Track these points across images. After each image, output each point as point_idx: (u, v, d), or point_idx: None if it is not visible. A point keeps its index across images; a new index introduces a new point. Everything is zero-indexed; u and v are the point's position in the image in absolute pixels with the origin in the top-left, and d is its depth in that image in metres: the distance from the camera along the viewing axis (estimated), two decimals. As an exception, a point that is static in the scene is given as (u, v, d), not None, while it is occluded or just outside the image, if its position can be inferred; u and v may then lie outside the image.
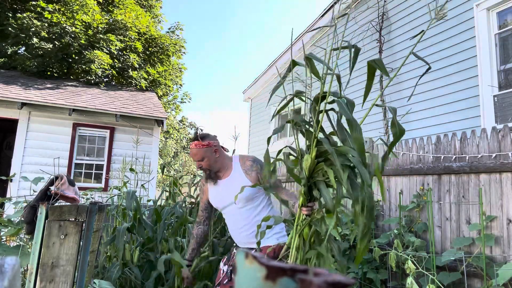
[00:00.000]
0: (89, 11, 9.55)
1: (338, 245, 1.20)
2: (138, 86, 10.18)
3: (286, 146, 1.31)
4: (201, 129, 1.96)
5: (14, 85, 7.15)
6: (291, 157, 1.28)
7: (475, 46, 3.96)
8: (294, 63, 1.21)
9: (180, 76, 12.95)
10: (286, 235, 1.93)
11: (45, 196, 1.62)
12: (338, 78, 1.16)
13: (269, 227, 1.37)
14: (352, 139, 1.05)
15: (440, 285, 2.11)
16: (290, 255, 1.24)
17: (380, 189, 1.11)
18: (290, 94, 1.25)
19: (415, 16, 4.75)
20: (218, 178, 1.96)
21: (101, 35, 9.64)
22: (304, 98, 1.26)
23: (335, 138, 1.21)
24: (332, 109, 1.20)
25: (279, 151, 1.30)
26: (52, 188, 1.61)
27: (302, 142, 1.25)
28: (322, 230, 1.17)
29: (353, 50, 1.12)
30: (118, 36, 10.04)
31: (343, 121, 1.12)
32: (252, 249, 1.90)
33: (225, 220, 2.04)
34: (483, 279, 2.27)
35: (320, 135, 1.16)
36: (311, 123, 1.20)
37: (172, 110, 14.53)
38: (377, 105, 1.15)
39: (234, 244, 2.13)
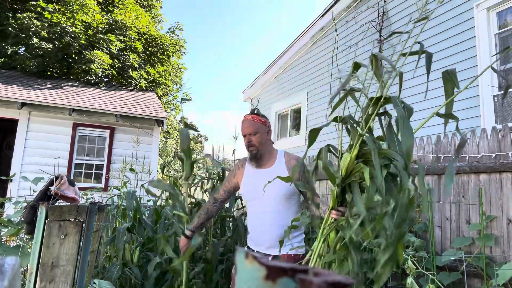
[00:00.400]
0: (89, 11, 9.56)
1: (360, 256, 1.14)
2: (138, 86, 10.18)
3: (328, 145, 1.24)
4: (257, 109, 1.91)
5: (14, 85, 7.16)
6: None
7: (475, 46, 3.96)
8: (356, 66, 1.19)
9: (180, 76, 12.96)
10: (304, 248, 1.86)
11: (45, 196, 1.62)
12: (401, 78, 1.14)
13: (294, 227, 1.34)
14: (402, 140, 1.01)
15: (440, 285, 2.11)
16: (311, 259, 1.19)
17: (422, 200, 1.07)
18: (344, 89, 1.22)
19: (415, 16, 4.74)
20: (259, 166, 1.87)
21: (101, 35, 9.64)
22: (356, 96, 1.24)
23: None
24: (385, 112, 1.17)
25: (320, 151, 1.23)
26: (52, 188, 1.61)
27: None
28: (346, 235, 1.12)
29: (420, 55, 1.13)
30: (118, 36, 10.04)
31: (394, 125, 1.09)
32: (267, 255, 1.78)
33: (249, 215, 1.88)
34: (483, 279, 2.27)
35: (367, 135, 1.13)
36: (359, 122, 1.17)
37: (172, 110, 14.53)
38: (438, 115, 1.12)
39: (246, 246, 2.00)
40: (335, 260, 1.17)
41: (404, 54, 1.15)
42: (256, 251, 1.82)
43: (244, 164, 1.95)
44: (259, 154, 1.84)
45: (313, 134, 1.20)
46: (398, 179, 1.07)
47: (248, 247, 1.92)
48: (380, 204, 1.01)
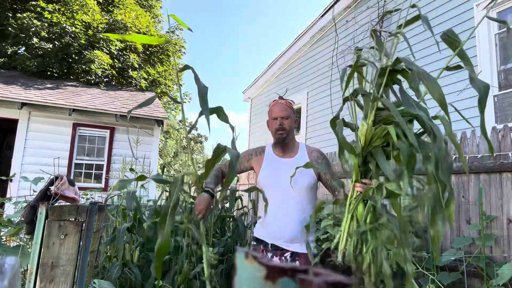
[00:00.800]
0: (89, 11, 9.55)
1: (397, 220, 1.07)
2: (138, 86, 10.18)
3: (342, 118, 1.20)
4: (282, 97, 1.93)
5: (14, 85, 7.15)
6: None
7: (475, 46, 3.96)
8: (358, 50, 1.21)
9: (180, 76, 12.97)
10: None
11: (45, 196, 1.62)
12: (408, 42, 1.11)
13: (320, 209, 1.29)
14: (430, 90, 0.98)
15: (440, 285, 2.11)
16: (341, 240, 1.13)
17: (459, 154, 1.01)
18: (350, 66, 1.21)
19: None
20: (281, 154, 1.84)
21: (101, 35, 9.64)
22: (364, 69, 1.20)
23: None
24: (396, 78, 1.15)
25: (334, 124, 1.19)
26: (52, 188, 1.61)
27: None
28: (378, 201, 1.06)
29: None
30: (118, 36, 10.03)
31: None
32: (284, 251, 1.73)
33: (269, 206, 1.74)
34: (483, 279, 2.27)
35: (382, 98, 1.10)
36: (371, 93, 1.14)
37: (172, 110, 14.53)
38: (448, 68, 1.11)
39: (253, 240, 1.87)
40: (366, 236, 1.10)
41: (400, 27, 1.16)
42: (272, 244, 1.76)
43: (263, 152, 1.90)
44: (287, 140, 1.82)
45: (335, 125, 1.18)
46: (424, 136, 1.05)
47: (256, 240, 1.83)
48: (421, 161, 0.96)
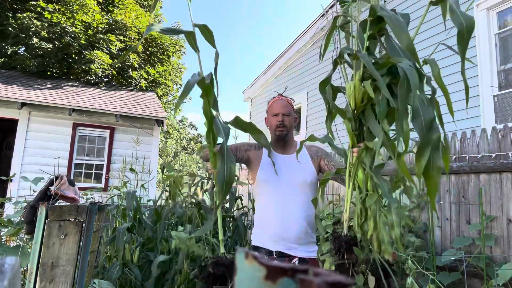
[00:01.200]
0: (89, 11, 9.55)
1: (387, 182, 1.04)
2: (138, 86, 10.18)
3: (331, 83, 1.14)
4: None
5: (14, 85, 7.15)
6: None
7: (475, 46, 3.96)
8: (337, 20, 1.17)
9: (180, 76, 12.96)
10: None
11: (45, 196, 1.62)
12: None
13: (326, 181, 1.23)
14: (396, 36, 0.92)
15: (440, 285, 2.11)
16: (344, 209, 1.09)
17: (445, 97, 0.93)
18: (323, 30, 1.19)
19: (415, 16, 4.75)
20: (281, 151, 1.80)
21: (101, 35, 9.64)
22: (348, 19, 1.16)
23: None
24: (383, 32, 1.09)
25: (324, 91, 1.14)
26: (52, 188, 1.61)
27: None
28: (366, 163, 1.02)
29: None
30: (118, 36, 10.04)
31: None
32: (291, 258, 1.64)
33: (266, 203, 1.71)
34: (483, 279, 2.27)
35: (362, 53, 1.04)
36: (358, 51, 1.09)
37: (172, 110, 14.52)
38: (432, 3, 1.03)
39: (253, 250, 1.73)
40: (368, 201, 1.05)
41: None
42: (276, 251, 1.65)
43: (262, 147, 1.81)
44: (287, 137, 1.79)
45: (325, 90, 1.14)
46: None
47: (256, 249, 1.69)
48: (396, 117, 0.90)
